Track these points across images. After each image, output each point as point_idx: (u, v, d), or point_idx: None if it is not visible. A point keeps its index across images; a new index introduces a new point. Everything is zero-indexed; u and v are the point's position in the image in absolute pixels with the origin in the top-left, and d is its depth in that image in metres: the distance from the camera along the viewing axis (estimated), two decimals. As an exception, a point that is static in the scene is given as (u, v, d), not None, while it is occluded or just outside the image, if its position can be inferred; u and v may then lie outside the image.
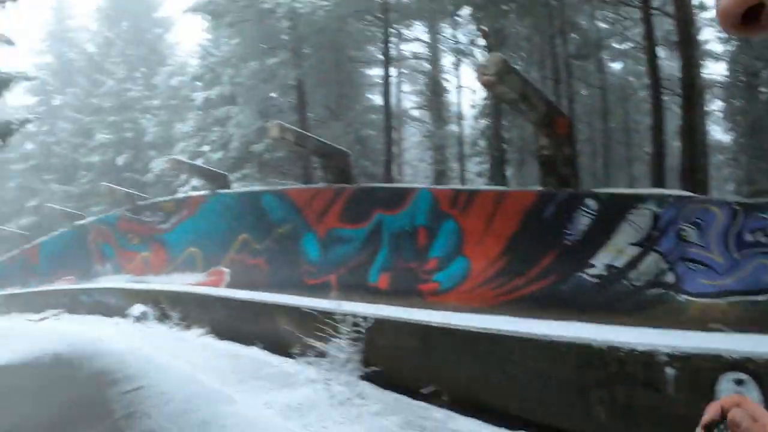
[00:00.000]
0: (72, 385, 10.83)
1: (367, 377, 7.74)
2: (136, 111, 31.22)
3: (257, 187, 17.64)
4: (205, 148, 22.84)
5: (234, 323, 11.71)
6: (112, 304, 18.24)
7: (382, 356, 7.75)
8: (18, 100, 38.89)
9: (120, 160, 29.52)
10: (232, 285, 15.37)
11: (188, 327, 13.51)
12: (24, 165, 36.67)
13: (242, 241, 15.80)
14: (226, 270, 16.26)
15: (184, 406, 8.11)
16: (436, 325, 7.01)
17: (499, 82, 8.79)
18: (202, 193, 18.33)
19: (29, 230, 32.71)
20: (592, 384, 5.75)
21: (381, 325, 7.65)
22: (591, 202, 9.17)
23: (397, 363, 7.64)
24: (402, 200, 11.74)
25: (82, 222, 25.03)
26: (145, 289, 16.50)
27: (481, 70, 8.70)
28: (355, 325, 7.78)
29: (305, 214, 13.86)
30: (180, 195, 21.11)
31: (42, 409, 9.51)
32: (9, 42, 14.45)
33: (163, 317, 14.67)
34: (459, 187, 15.03)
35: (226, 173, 18.04)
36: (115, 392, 9.52)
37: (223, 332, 12.06)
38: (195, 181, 22.28)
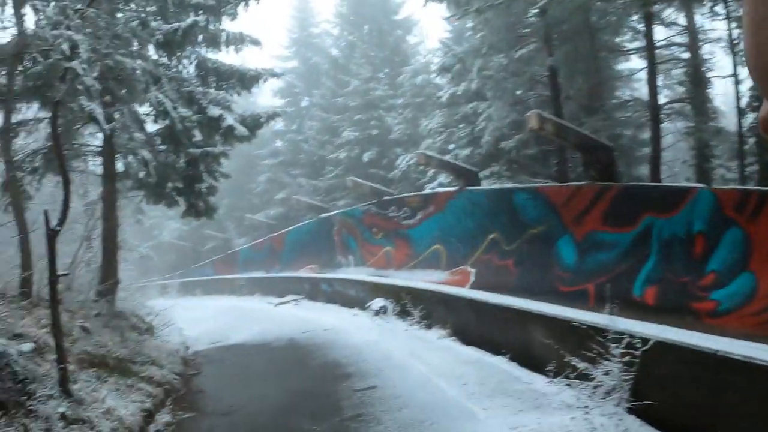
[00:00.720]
0: (303, 374, 10.67)
1: (636, 411, 6.56)
2: (381, 109, 31.57)
3: (509, 185, 16.69)
4: (452, 145, 22.34)
5: (480, 328, 10.90)
6: (352, 296, 18.32)
7: (658, 388, 6.52)
8: (268, 101, 42.22)
9: (365, 157, 29.93)
10: (476, 286, 14.73)
11: (429, 326, 12.97)
12: (274, 161, 39.02)
13: (491, 240, 15.06)
14: (472, 270, 15.63)
15: (419, 415, 7.45)
16: (736, 357, 5.65)
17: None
18: (450, 189, 17.83)
19: (276, 220, 34.97)
20: None
21: (662, 350, 6.39)
22: None
23: (676, 399, 6.36)
24: (677, 202, 10.21)
25: (327, 214, 25.81)
26: (387, 284, 16.26)
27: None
28: (630, 346, 6.62)
29: (562, 215, 12.76)
30: (427, 191, 20.83)
31: (271, 393, 9.37)
32: (255, 42, 14.96)
33: (403, 313, 14.31)
34: (748, 187, 13.00)
35: (476, 170, 17.35)
36: (346, 388, 9.13)
37: (467, 336, 11.32)
38: (442, 178, 21.88)
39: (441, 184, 21.49)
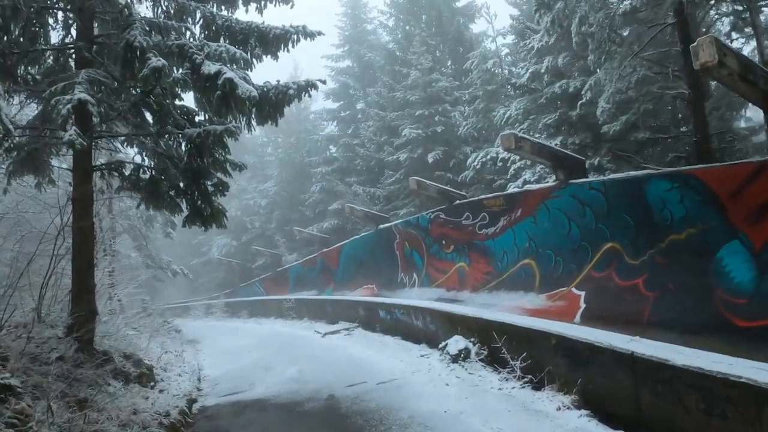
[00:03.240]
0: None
1: None
2: (446, 103, 28.15)
3: (638, 172, 12.15)
4: (537, 134, 18.39)
5: (646, 403, 6.44)
6: (418, 328, 14.51)
7: None
8: (321, 106, 40.76)
9: (430, 158, 26.31)
10: (588, 315, 10.78)
11: (539, 386, 8.63)
12: (327, 168, 36.28)
13: (608, 251, 11.08)
14: (579, 293, 11.58)
15: None
16: None
17: None
18: (545, 185, 13.77)
19: (330, 233, 32.42)
20: None
21: None
22: None
23: None
24: None
25: (387, 225, 22.64)
26: (469, 316, 11.69)
27: None
28: None
29: (729, 210, 8.63)
30: (513, 190, 16.70)
31: None
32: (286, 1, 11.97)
33: (493, 361, 10.10)
34: None
35: (581, 158, 13.24)
36: None
37: (615, 412, 6.97)
38: (527, 174, 17.96)
39: (527, 182, 17.40)
